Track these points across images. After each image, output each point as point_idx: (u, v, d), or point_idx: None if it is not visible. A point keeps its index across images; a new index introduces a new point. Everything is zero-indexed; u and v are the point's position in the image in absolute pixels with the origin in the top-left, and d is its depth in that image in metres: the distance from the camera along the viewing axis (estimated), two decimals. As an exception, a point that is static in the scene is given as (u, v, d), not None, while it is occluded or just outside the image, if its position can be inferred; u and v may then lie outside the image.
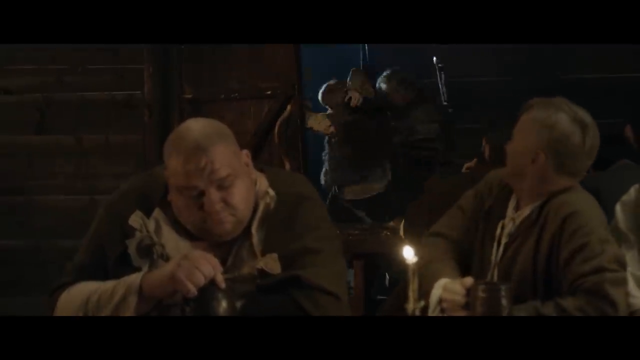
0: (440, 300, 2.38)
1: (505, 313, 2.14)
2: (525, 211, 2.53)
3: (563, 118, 2.47)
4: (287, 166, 4.88)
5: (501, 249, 2.54)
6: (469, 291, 2.28)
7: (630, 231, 2.60)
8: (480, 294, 2.17)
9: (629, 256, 2.54)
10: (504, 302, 2.14)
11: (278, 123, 4.98)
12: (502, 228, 2.56)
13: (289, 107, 4.95)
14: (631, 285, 2.42)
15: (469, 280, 2.35)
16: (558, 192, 2.50)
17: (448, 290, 2.36)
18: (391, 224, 4.68)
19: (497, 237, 2.56)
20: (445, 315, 2.35)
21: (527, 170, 2.51)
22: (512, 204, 2.59)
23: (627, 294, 2.37)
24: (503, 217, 2.58)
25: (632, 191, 2.70)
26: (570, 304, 2.26)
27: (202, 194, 2.17)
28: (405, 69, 6.32)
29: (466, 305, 2.28)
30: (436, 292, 2.40)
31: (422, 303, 2.11)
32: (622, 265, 2.38)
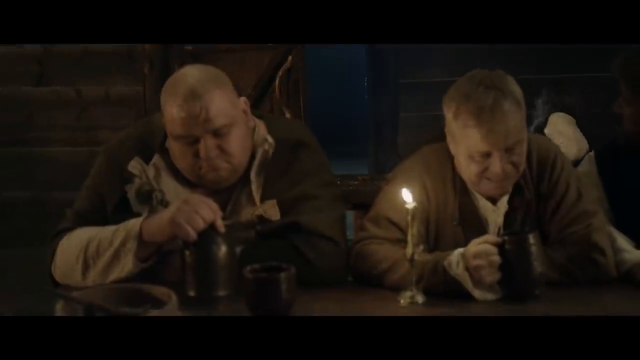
0: (469, 270, 2.08)
1: (537, 264, 2.05)
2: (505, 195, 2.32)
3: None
4: (288, 117, 4.87)
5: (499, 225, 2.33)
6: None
7: (593, 203, 2.41)
8: (509, 247, 2.05)
9: None
10: (534, 250, 2.06)
11: (279, 74, 4.95)
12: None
13: (289, 58, 4.92)
14: (621, 241, 2.33)
15: (491, 237, 2.11)
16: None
17: (479, 255, 2.06)
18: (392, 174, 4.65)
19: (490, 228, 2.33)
20: (478, 281, 2.08)
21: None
22: (482, 201, 2.34)
23: (617, 250, 2.27)
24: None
25: (587, 160, 2.61)
26: (560, 255, 2.20)
27: (197, 140, 2.16)
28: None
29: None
30: (458, 263, 2.10)
31: (422, 247, 2.08)
32: (599, 205, 2.36)
